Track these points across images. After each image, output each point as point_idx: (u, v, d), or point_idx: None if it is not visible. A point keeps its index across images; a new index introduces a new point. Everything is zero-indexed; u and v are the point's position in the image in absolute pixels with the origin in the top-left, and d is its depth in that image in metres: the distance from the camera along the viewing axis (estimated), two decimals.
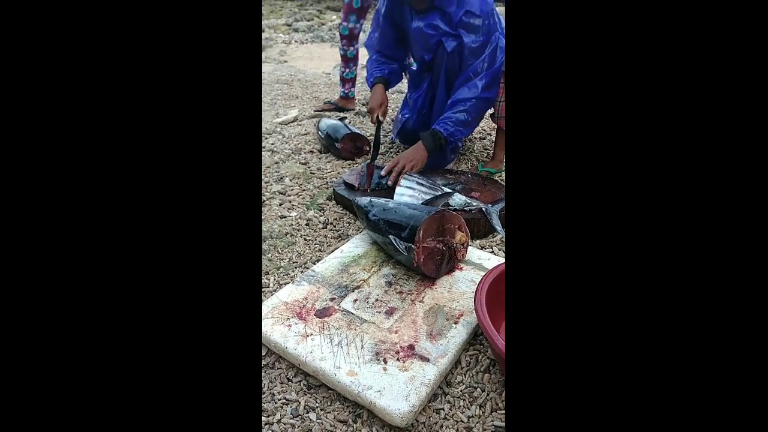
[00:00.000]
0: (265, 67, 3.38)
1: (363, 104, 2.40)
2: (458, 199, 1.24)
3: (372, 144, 1.61)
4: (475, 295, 0.81)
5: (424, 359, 0.78)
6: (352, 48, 2.14)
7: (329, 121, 1.80)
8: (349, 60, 2.18)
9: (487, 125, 1.99)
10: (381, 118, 1.54)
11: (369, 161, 1.48)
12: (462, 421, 0.72)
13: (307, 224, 1.28)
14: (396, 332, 0.84)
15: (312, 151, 1.77)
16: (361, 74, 2.99)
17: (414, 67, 1.64)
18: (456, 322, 0.86)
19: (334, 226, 1.28)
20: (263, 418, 0.72)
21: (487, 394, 0.76)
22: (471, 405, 0.74)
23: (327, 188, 1.48)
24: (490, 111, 1.53)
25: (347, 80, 2.25)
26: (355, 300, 0.92)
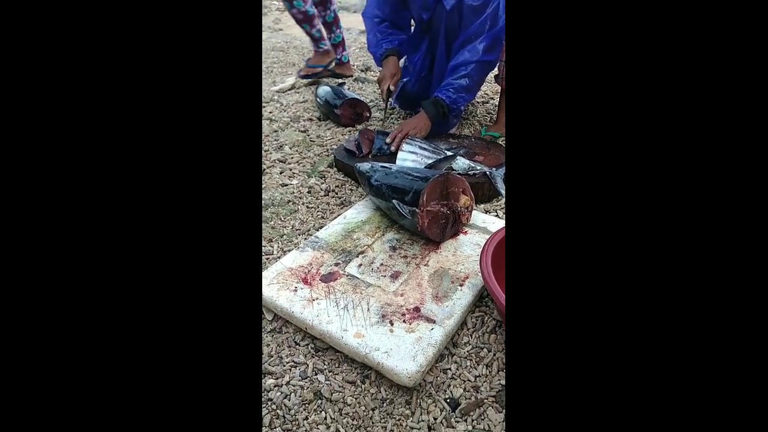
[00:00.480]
0: None
1: (361, 70, 2.35)
2: (462, 163, 1.22)
3: (384, 109, 1.58)
4: (481, 257, 0.81)
5: (430, 321, 0.78)
6: (329, 12, 2.06)
7: (327, 88, 1.76)
8: (330, 25, 2.11)
9: (489, 89, 1.95)
10: (392, 88, 1.50)
11: (380, 124, 1.44)
12: (469, 380, 0.73)
13: (308, 192, 1.27)
14: (401, 295, 0.84)
15: (311, 119, 1.74)
16: (359, 40, 2.92)
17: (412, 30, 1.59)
18: (461, 285, 0.86)
19: (336, 193, 1.27)
20: (272, 381, 0.73)
21: (494, 354, 0.76)
22: (478, 365, 0.75)
23: (327, 155, 1.46)
24: (495, 72, 1.49)
25: (336, 45, 2.19)
26: (360, 265, 0.92)
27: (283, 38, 3.22)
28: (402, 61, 1.62)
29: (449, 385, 0.72)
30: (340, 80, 2.18)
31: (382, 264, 0.92)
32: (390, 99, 1.56)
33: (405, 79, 1.58)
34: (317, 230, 1.09)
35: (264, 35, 3.31)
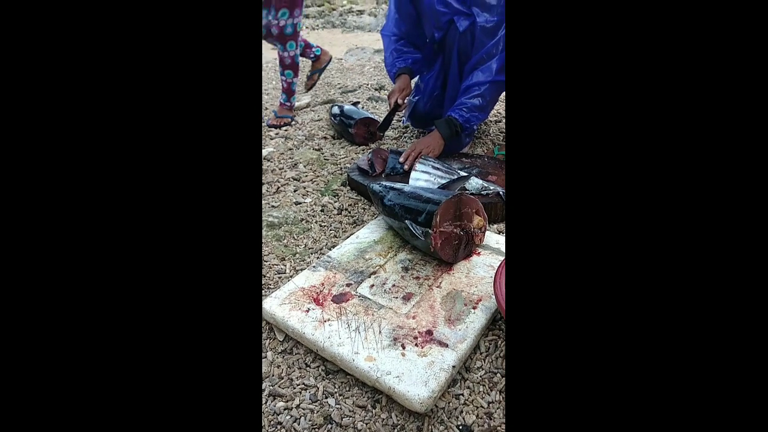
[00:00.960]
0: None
1: (375, 89, 2.37)
2: (475, 182, 1.22)
3: (382, 120, 1.59)
4: (495, 279, 0.80)
5: (443, 344, 0.77)
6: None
7: (342, 107, 1.78)
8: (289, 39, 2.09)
9: (502, 108, 1.95)
10: (400, 101, 1.51)
11: (377, 130, 1.47)
12: (482, 406, 0.71)
13: (321, 210, 1.27)
14: (414, 318, 0.83)
15: (325, 137, 1.76)
16: (373, 59, 2.95)
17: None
18: (474, 308, 0.85)
19: (349, 212, 1.27)
20: (282, 403, 0.72)
21: None
22: (491, 390, 0.73)
23: (341, 174, 1.47)
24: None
25: (304, 50, 2.18)
26: (372, 285, 0.91)
27: None
28: (415, 80, 1.64)
29: (462, 412, 0.70)
30: (355, 99, 2.20)
31: (394, 285, 0.92)
32: (398, 112, 1.57)
33: (416, 98, 1.59)
34: (330, 249, 1.09)
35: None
